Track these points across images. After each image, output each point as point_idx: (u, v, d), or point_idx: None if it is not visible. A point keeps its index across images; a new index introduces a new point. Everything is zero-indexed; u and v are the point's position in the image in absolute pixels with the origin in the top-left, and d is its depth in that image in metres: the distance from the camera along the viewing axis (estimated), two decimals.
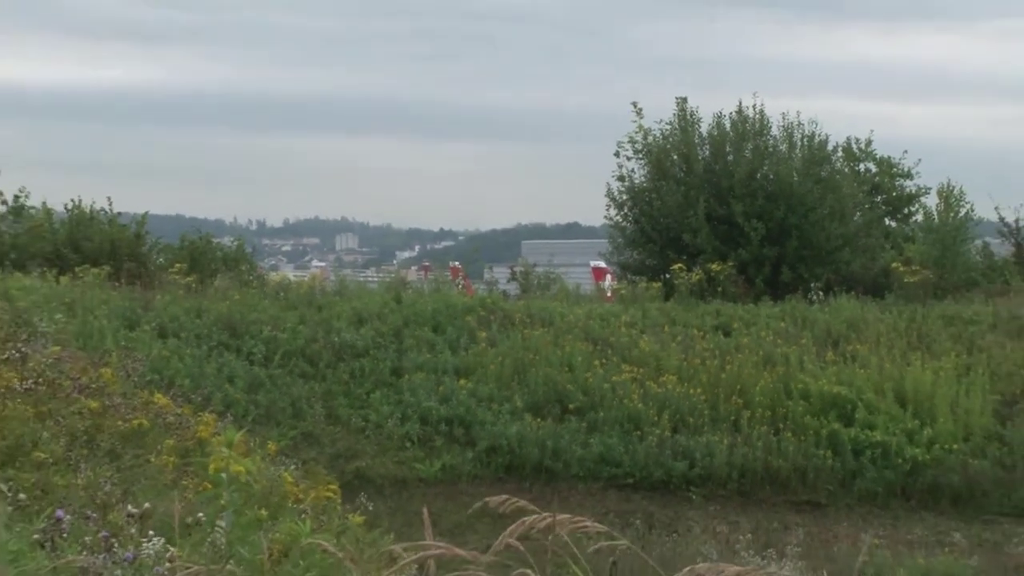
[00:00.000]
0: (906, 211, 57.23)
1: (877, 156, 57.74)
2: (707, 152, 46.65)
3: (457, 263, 56.51)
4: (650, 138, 47.09)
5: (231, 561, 7.50)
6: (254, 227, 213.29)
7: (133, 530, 7.16)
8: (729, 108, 47.16)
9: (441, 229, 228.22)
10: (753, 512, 28.93)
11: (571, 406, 31.23)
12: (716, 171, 45.62)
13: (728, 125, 46.67)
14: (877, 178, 56.72)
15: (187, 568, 5.75)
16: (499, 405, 30.98)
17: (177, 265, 40.23)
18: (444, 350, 33.50)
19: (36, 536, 5.60)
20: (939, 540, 27.78)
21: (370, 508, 13.69)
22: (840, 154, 51.40)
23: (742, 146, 46.10)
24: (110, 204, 44.64)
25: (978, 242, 49.47)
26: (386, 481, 28.25)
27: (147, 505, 7.68)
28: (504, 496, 5.20)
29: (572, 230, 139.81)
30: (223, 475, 9.01)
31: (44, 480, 10.10)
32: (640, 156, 47.27)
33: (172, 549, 6.62)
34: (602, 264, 50.82)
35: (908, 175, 57.54)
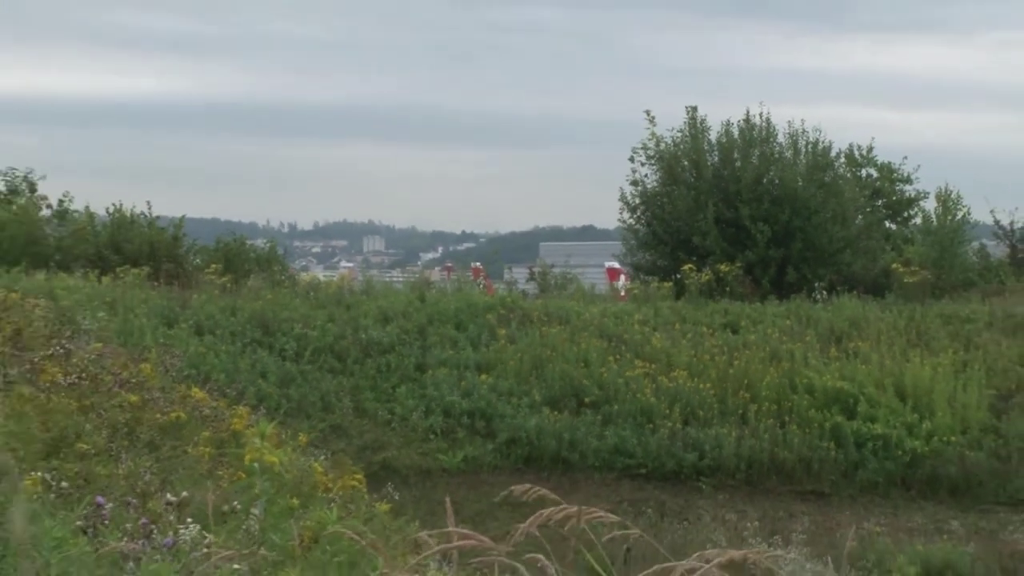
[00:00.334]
0: (905, 214, 57.16)
1: (878, 162, 57.71)
2: (716, 158, 46.61)
3: (478, 264, 56.47)
4: (662, 145, 47.13)
5: (264, 547, 7.50)
6: (286, 230, 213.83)
7: (171, 517, 7.16)
8: (737, 116, 47.20)
9: (463, 232, 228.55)
10: (760, 501, 28.89)
11: (587, 400, 31.22)
12: (724, 176, 45.58)
13: (736, 132, 46.63)
14: (878, 183, 56.65)
15: (222, 553, 5.75)
16: (518, 399, 30.98)
17: (213, 266, 40.30)
18: (466, 347, 33.50)
19: (79, 523, 5.60)
20: (937, 528, 27.74)
21: (396, 497, 13.70)
22: (842, 160, 51.34)
23: (749, 152, 46.08)
24: (149, 208, 44.81)
25: (974, 244, 49.37)
26: (411, 471, 28.24)
27: (184, 494, 7.69)
28: (528, 485, 5.20)
29: (587, 232, 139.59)
30: (256, 465, 9.02)
31: (87, 470, 10.10)
32: (652, 162, 47.31)
33: (208, 535, 6.61)
34: (616, 265, 50.82)
35: (907, 180, 57.52)
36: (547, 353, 32.85)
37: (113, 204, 44.96)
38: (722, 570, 4.27)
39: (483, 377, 31.82)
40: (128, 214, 44.42)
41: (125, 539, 6.02)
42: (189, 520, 7.04)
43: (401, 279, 51.71)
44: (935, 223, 47.49)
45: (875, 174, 57.41)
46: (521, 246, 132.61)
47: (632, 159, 47.60)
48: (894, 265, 43.59)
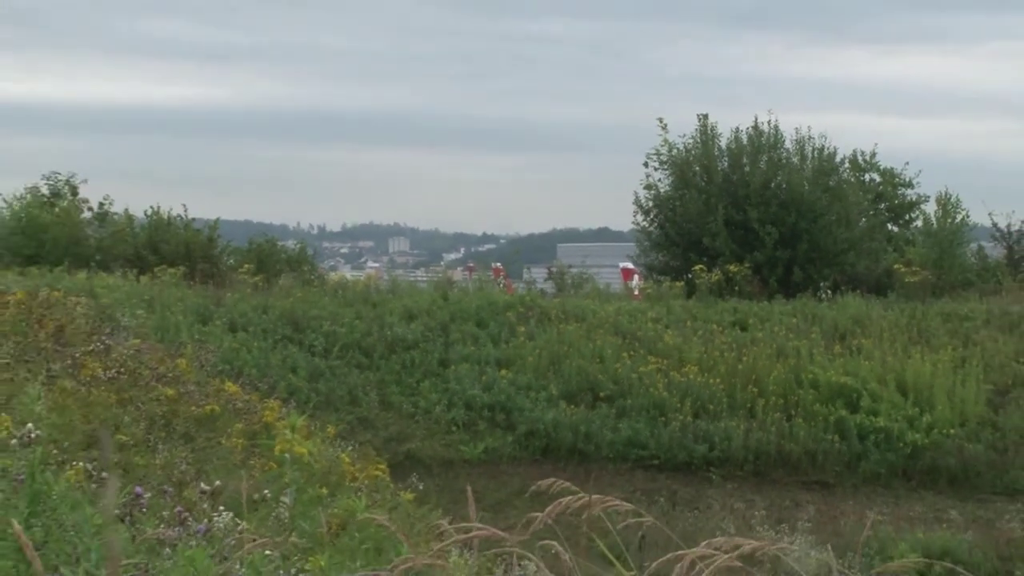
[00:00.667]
0: (907, 217, 56.96)
1: (881, 167, 57.49)
2: (726, 163, 46.57)
3: (498, 264, 56.46)
4: (674, 151, 47.11)
5: (294, 533, 7.50)
6: (315, 231, 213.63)
7: (205, 505, 7.17)
8: (746, 123, 47.16)
9: (484, 233, 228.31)
10: (767, 491, 28.88)
11: (602, 394, 31.22)
12: (734, 181, 45.52)
13: (745, 139, 46.59)
14: (880, 187, 56.46)
15: (254, 540, 5.75)
16: (536, 393, 30.99)
17: (245, 266, 40.33)
18: (487, 343, 33.50)
19: (117, 511, 5.60)
20: (937, 517, 27.74)
21: (420, 486, 13.72)
22: (847, 165, 51.18)
23: (758, 158, 46.01)
24: (185, 211, 44.93)
25: (973, 245, 49.25)
26: (434, 462, 28.25)
27: (218, 483, 7.69)
28: (552, 479, 5.19)
29: (603, 234, 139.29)
30: (287, 456, 9.02)
31: (125, 460, 10.12)
32: (665, 167, 47.30)
33: (241, 522, 6.61)
34: (630, 265, 50.75)
35: (909, 184, 57.29)
36: (564, 349, 32.86)
37: (151, 207, 45.13)
38: (733, 558, 4.26)
39: (503, 372, 31.83)
40: (165, 216, 44.53)
41: (162, 526, 6.02)
42: (222, 508, 7.05)
43: (425, 279, 51.61)
44: (935, 225, 47.45)
45: (878, 179, 57.20)
46: (539, 247, 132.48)
47: (646, 164, 47.66)
48: (896, 266, 43.56)
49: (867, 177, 56.31)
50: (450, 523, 5.62)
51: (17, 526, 4.26)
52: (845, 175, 49.51)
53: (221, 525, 6.28)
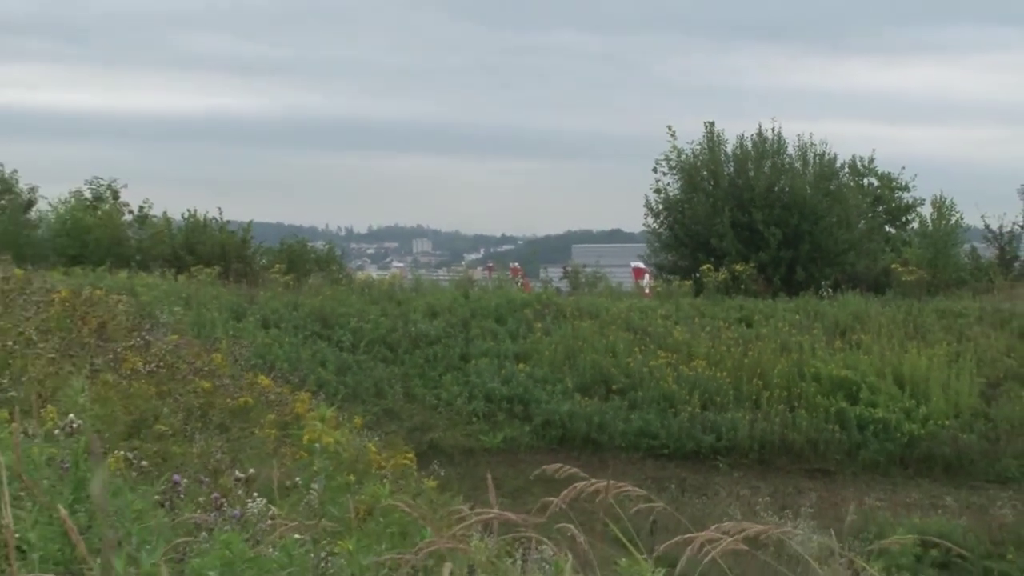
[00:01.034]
0: (904, 219, 56.83)
1: (878, 172, 57.39)
2: (731, 168, 46.50)
3: (516, 264, 56.40)
4: (683, 156, 47.07)
5: (323, 518, 7.51)
6: (343, 233, 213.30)
7: (240, 492, 7.18)
8: (750, 131, 47.09)
9: (503, 235, 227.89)
10: (771, 478, 28.86)
11: (614, 387, 31.22)
12: (739, 185, 45.46)
13: (750, 145, 46.54)
14: (878, 191, 56.36)
15: (286, 524, 5.76)
16: (552, 386, 30.99)
17: (277, 265, 40.40)
18: (505, 339, 33.50)
19: (157, 497, 5.62)
20: (933, 503, 27.72)
21: (442, 474, 13.69)
22: (846, 170, 51.09)
23: (762, 163, 45.96)
24: (220, 213, 45.00)
25: (966, 246, 49.12)
26: (456, 451, 28.25)
27: (252, 471, 7.71)
28: (558, 464, 5.20)
29: (615, 235, 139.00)
30: (316, 445, 9.03)
31: (164, 449, 10.13)
32: (674, 172, 47.23)
33: (273, 508, 6.63)
34: (641, 265, 50.72)
35: (905, 188, 57.15)
36: (579, 344, 32.85)
37: (188, 210, 45.23)
38: (739, 541, 4.26)
39: (521, 366, 31.83)
40: (201, 219, 44.63)
41: (198, 511, 6.03)
42: (256, 494, 7.06)
43: (447, 277, 51.59)
44: (931, 227, 47.38)
45: (876, 183, 57.09)
46: (555, 248, 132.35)
47: (655, 169, 47.62)
48: (893, 265, 43.49)
49: (866, 181, 56.22)
50: (471, 508, 5.63)
51: (63, 511, 4.27)
52: (845, 179, 49.45)
53: (255, 511, 6.29)
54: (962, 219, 47.53)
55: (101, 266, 36.03)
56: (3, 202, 46.37)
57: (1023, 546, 25.12)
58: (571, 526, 4.81)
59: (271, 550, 5.08)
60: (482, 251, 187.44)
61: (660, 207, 47.49)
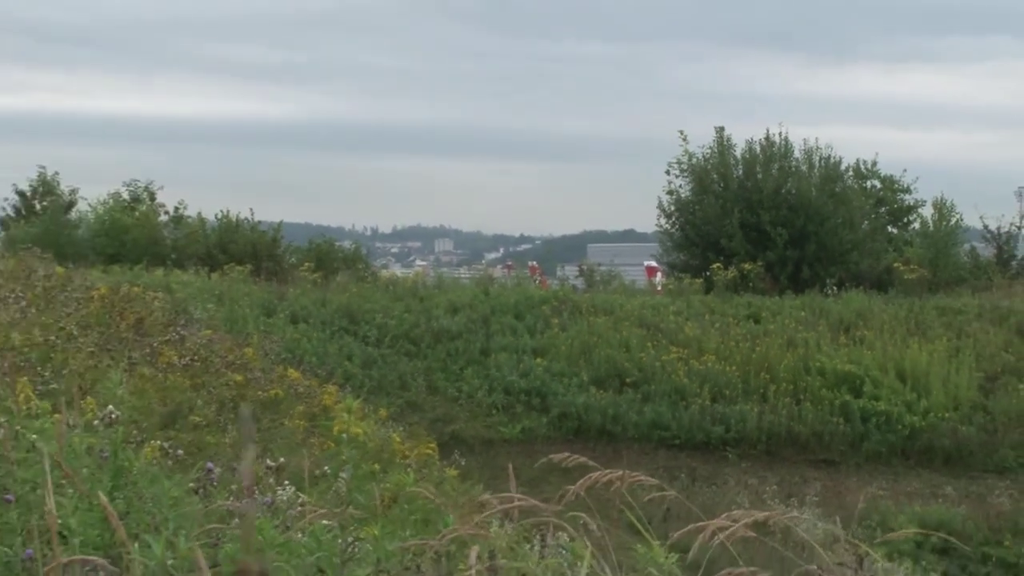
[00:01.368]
0: (905, 220, 56.63)
1: (881, 174, 57.13)
2: (740, 171, 46.41)
3: (534, 262, 56.55)
4: (694, 160, 46.96)
5: (350, 506, 7.52)
6: (368, 233, 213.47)
7: (271, 480, 7.19)
8: (759, 135, 46.99)
9: (521, 234, 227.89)
10: (778, 468, 28.84)
11: (628, 380, 31.19)
12: (748, 187, 45.38)
13: (758, 149, 46.44)
14: (881, 193, 56.14)
15: (315, 511, 5.77)
16: (569, 379, 30.97)
17: (306, 264, 40.47)
18: (524, 334, 33.48)
19: (191, 484, 5.62)
20: (933, 492, 27.71)
21: (463, 463, 13.71)
22: (850, 173, 50.91)
23: (770, 166, 45.86)
24: (252, 214, 45.03)
25: (966, 246, 49.00)
26: (476, 441, 28.25)
27: (282, 459, 7.71)
28: (565, 453, 5.19)
29: (629, 235, 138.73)
30: (344, 435, 9.04)
31: (198, 439, 10.16)
32: (685, 174, 47.12)
33: (302, 496, 6.63)
34: (654, 264, 50.71)
35: (907, 190, 56.91)
36: (594, 340, 32.83)
37: (221, 211, 45.31)
38: (748, 528, 4.26)
39: (538, 360, 31.81)
40: (234, 219, 44.68)
41: (231, 498, 6.04)
42: (286, 482, 7.06)
43: (468, 275, 51.63)
44: (931, 227, 47.36)
45: (879, 185, 56.87)
46: (571, 247, 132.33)
47: (668, 172, 47.52)
48: (895, 264, 43.45)
49: (869, 184, 56.00)
50: (491, 497, 5.64)
51: (103, 498, 4.29)
52: (849, 182, 49.30)
53: (285, 498, 6.30)
54: (961, 220, 47.51)
55: (138, 264, 36.16)
56: (45, 203, 46.52)
57: (1020, 533, 25.14)
58: (586, 514, 4.81)
59: (300, 536, 5.09)
60: (501, 250, 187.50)
61: (672, 208, 47.44)
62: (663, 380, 31.02)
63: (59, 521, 4.28)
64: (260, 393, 13.82)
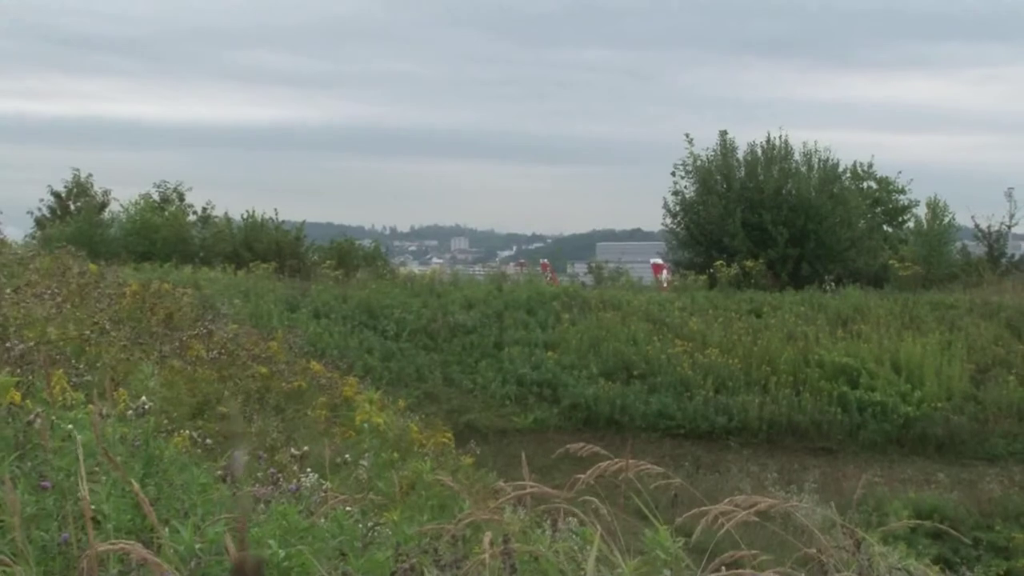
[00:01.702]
0: (900, 219, 56.54)
1: (877, 176, 57.06)
2: (743, 173, 46.39)
3: (546, 260, 56.52)
4: (698, 162, 46.97)
5: (370, 492, 7.53)
6: (387, 232, 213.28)
7: (295, 467, 7.20)
8: (760, 138, 47.04)
9: (533, 233, 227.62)
10: (779, 456, 28.84)
11: (635, 372, 31.19)
12: (750, 188, 45.37)
13: (759, 152, 46.45)
14: (877, 193, 56.07)
15: (337, 497, 5.78)
16: (579, 371, 30.97)
17: (328, 261, 40.52)
18: (535, 328, 33.49)
19: (219, 472, 5.64)
20: (926, 479, 27.73)
21: (478, 452, 13.65)
22: (848, 175, 50.89)
23: (771, 168, 45.85)
24: (276, 214, 45.04)
25: (958, 244, 48.98)
26: (490, 431, 28.23)
27: (305, 448, 7.72)
28: (582, 443, 5.20)
29: (636, 234, 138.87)
30: (364, 425, 9.08)
31: (225, 429, 10.16)
32: (690, 176, 47.14)
33: (325, 482, 6.64)
34: (660, 261, 50.81)
35: (902, 191, 56.85)
36: (602, 334, 32.84)
37: (247, 211, 45.32)
38: (750, 514, 4.27)
39: (550, 353, 31.83)
40: (259, 219, 44.70)
41: (257, 485, 6.06)
42: (309, 470, 7.08)
43: (482, 273, 51.59)
44: (925, 227, 47.35)
45: (875, 186, 56.79)
46: (581, 245, 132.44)
47: (673, 173, 47.54)
48: (891, 261, 43.54)
49: (865, 185, 55.93)
50: (504, 484, 5.64)
51: (135, 485, 4.30)
52: (846, 183, 49.27)
53: (308, 485, 6.31)
54: (954, 219, 47.51)
55: (168, 262, 36.23)
56: (79, 204, 46.59)
57: (1009, 518, 25.19)
58: (596, 500, 4.82)
59: (323, 521, 5.10)
60: (514, 248, 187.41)
61: (677, 208, 47.46)
62: (669, 372, 31.03)
63: (93, 507, 4.29)
64: (284, 385, 13.82)
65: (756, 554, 4.12)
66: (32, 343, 8.93)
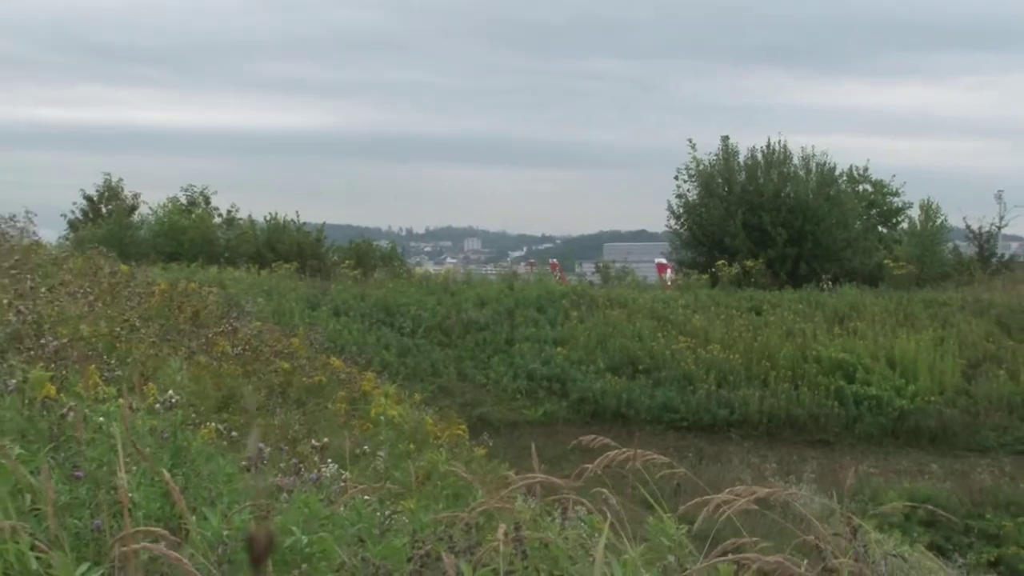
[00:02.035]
0: (894, 221, 56.43)
1: (872, 179, 56.91)
2: (743, 176, 46.42)
3: (555, 260, 56.43)
4: (700, 166, 47.00)
5: (388, 482, 7.54)
6: (403, 233, 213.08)
7: (315, 458, 7.22)
8: (760, 143, 47.16)
9: (543, 234, 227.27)
10: (778, 448, 28.82)
11: (641, 367, 31.19)
12: (750, 191, 45.40)
13: (759, 156, 46.49)
14: (872, 196, 55.96)
15: (356, 487, 5.79)
16: (586, 367, 30.98)
17: (347, 261, 40.56)
18: (545, 325, 33.49)
19: (243, 463, 5.65)
20: (920, 470, 27.69)
21: (490, 443, 13.66)
22: (844, 178, 50.83)
23: (770, 172, 45.86)
24: (297, 216, 45.07)
25: (950, 244, 48.97)
26: (501, 423, 28.24)
27: (325, 440, 7.74)
28: (593, 436, 5.21)
29: (641, 235, 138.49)
30: (382, 418, 9.09)
31: (250, 421, 10.17)
32: (693, 179, 47.19)
33: (344, 472, 6.66)
34: (664, 261, 50.79)
35: (896, 193, 56.72)
36: (609, 330, 32.84)
37: (270, 213, 45.35)
38: (750, 502, 4.28)
39: (559, 349, 31.83)
40: (281, 221, 44.72)
41: (280, 475, 6.07)
42: (329, 460, 7.10)
43: (494, 272, 51.55)
44: (918, 228, 47.44)
45: (870, 189, 56.67)
46: (589, 246, 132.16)
47: (677, 177, 47.65)
48: (885, 261, 43.50)
49: (861, 188, 55.81)
50: (516, 474, 5.65)
51: (166, 474, 4.32)
52: (843, 186, 49.25)
53: (328, 475, 6.33)
54: (946, 221, 47.58)
55: (194, 262, 36.25)
56: (110, 207, 46.63)
57: (1000, 506, 25.16)
58: (604, 490, 4.83)
59: (343, 509, 5.11)
60: (525, 249, 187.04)
61: (681, 210, 47.52)
62: (672, 367, 31.02)
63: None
64: (305, 379, 13.84)
65: (756, 541, 4.13)
66: (65, 340, 8.95)
